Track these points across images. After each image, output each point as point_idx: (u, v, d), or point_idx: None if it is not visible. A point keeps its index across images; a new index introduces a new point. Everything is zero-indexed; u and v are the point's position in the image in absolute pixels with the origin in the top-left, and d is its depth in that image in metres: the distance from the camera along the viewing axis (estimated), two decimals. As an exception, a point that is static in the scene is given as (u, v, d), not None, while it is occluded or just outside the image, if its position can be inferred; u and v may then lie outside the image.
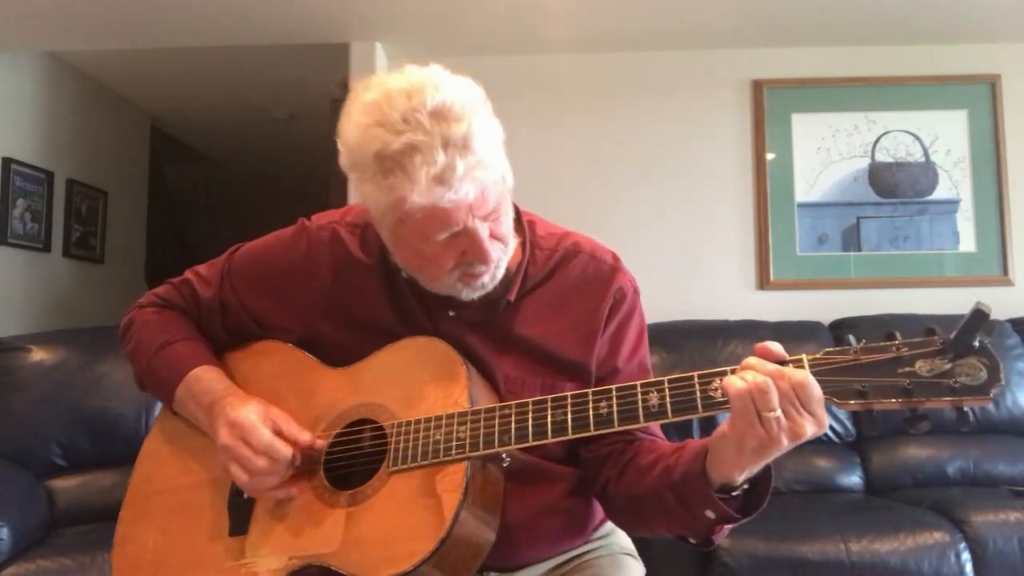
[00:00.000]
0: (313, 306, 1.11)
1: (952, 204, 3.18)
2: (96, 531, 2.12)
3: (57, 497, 2.29)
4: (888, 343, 0.81)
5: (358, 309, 1.09)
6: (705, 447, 0.90)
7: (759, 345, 0.86)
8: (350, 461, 1.02)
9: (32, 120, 3.63)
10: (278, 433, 1.00)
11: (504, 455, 0.95)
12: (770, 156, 3.24)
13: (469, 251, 0.95)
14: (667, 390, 0.88)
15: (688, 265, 3.22)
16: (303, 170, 5.42)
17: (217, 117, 4.62)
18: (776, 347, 0.85)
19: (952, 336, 0.78)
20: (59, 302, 3.75)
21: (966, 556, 2.06)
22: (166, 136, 4.89)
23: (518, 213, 1.12)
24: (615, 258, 1.13)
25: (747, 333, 2.77)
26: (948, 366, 0.78)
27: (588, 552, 1.14)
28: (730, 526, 0.92)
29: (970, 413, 0.79)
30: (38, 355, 2.41)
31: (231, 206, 6.35)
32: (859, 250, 3.19)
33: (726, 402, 0.83)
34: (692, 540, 0.97)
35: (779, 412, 0.79)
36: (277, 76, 3.87)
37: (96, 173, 4.04)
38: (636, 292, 1.13)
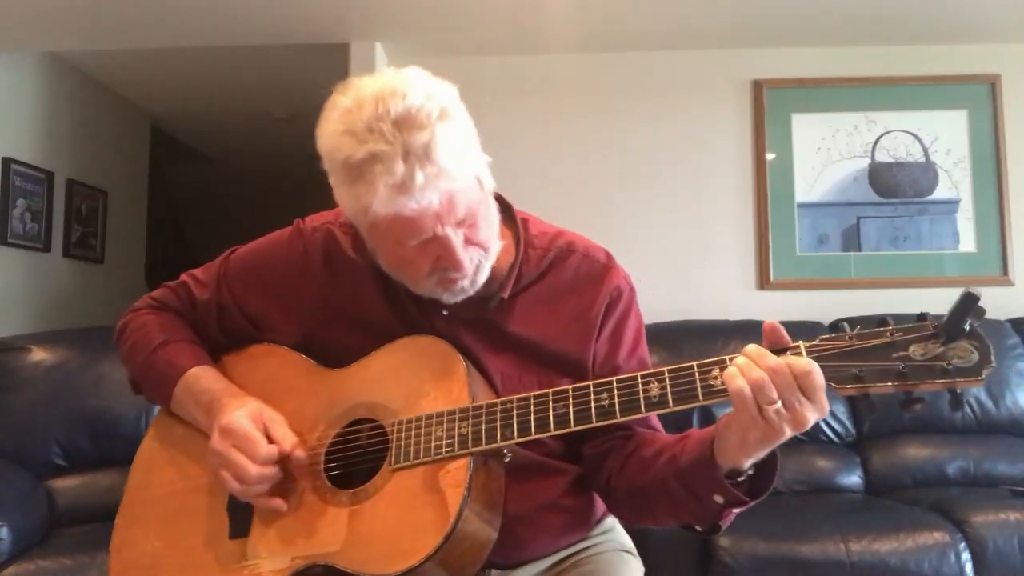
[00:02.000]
0: (310, 307, 1.11)
1: (952, 204, 3.18)
2: (96, 531, 2.12)
3: (57, 497, 2.28)
4: (882, 328, 0.82)
5: (355, 309, 1.09)
6: (711, 434, 0.91)
7: (767, 324, 0.87)
8: (351, 460, 1.02)
9: (32, 120, 3.63)
10: (267, 436, 1.00)
11: (505, 451, 0.95)
12: (770, 156, 3.24)
13: (443, 257, 0.95)
14: (667, 380, 0.88)
15: (688, 265, 3.22)
16: (303, 170, 5.37)
17: (217, 117, 4.62)
18: (781, 332, 0.86)
19: (944, 320, 0.79)
20: (59, 302, 3.75)
21: (966, 556, 2.06)
22: (166, 136, 4.90)
23: (511, 211, 1.12)
24: (608, 256, 1.14)
25: (747, 333, 2.76)
26: (940, 349, 0.79)
27: (588, 549, 1.14)
28: (737, 510, 0.93)
29: (964, 396, 0.80)
30: (38, 355, 2.41)
31: (231, 206, 6.35)
32: (859, 250, 3.19)
33: (726, 390, 0.83)
34: (698, 528, 0.98)
35: (779, 404, 0.80)
36: (277, 76, 3.87)
37: (96, 173, 4.04)
38: (632, 290, 1.13)
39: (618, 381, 0.91)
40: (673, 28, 3.09)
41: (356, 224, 1.00)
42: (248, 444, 0.98)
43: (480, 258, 0.98)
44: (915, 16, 2.98)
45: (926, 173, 3.20)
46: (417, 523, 0.91)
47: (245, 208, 5.89)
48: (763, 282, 3.19)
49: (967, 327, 0.78)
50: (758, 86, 3.25)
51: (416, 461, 0.95)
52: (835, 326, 0.85)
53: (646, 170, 3.26)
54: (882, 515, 2.24)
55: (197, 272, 1.19)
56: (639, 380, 0.90)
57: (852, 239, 3.19)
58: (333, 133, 0.93)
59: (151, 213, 4.76)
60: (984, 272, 3.14)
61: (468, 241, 0.96)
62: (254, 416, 1.01)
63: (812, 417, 0.81)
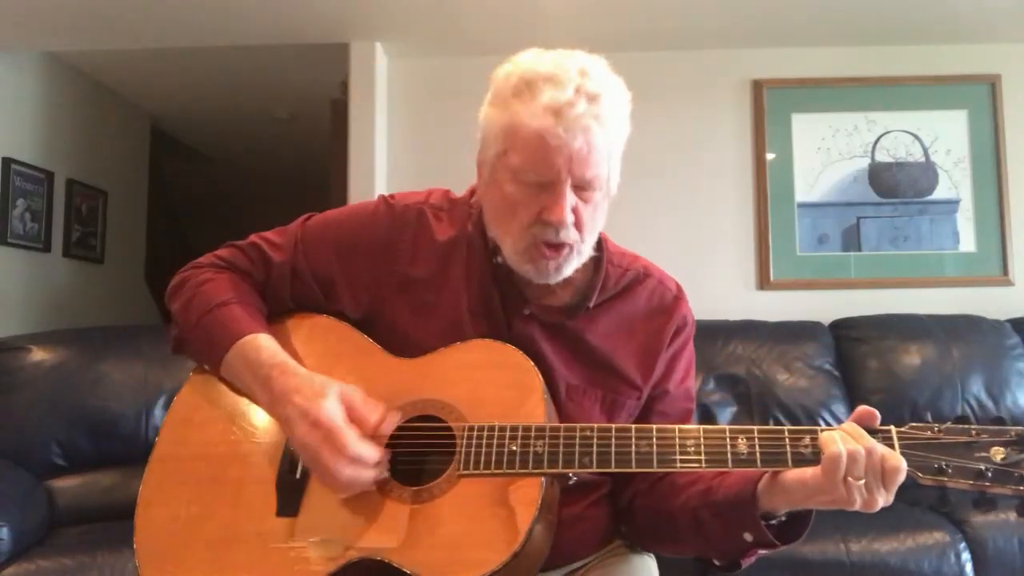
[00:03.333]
0: (386, 283, 1.09)
1: (952, 204, 3.18)
2: (96, 531, 2.12)
3: (57, 497, 2.28)
4: (967, 427, 0.86)
5: (433, 292, 1.08)
6: (756, 475, 0.92)
7: (861, 408, 0.89)
8: (413, 456, 0.99)
9: (32, 120, 3.63)
10: (352, 418, 0.94)
11: (571, 474, 0.94)
12: (770, 156, 3.24)
13: (547, 209, 0.95)
14: (756, 439, 0.89)
15: (688, 265, 3.21)
16: (303, 170, 5.42)
17: (217, 117, 4.62)
18: (875, 418, 0.89)
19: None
20: (59, 302, 3.75)
21: (966, 556, 2.06)
22: (166, 136, 4.90)
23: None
24: (679, 288, 1.18)
25: (747, 333, 2.77)
26: (1019, 456, 0.84)
27: (603, 550, 1.14)
28: (763, 552, 0.94)
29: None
30: (38, 355, 2.40)
31: (231, 206, 6.35)
32: (859, 250, 3.18)
33: (815, 460, 0.85)
34: (717, 562, 0.98)
35: (863, 481, 0.83)
36: (277, 76, 3.87)
37: (96, 173, 4.04)
38: (694, 324, 1.16)
39: (704, 431, 0.91)
40: (673, 28, 3.09)
41: (486, 150, 1.01)
42: (343, 444, 0.92)
43: (576, 242, 0.99)
44: (915, 16, 2.98)
45: (926, 173, 3.20)
46: (483, 535, 0.89)
47: (245, 208, 5.90)
48: (763, 282, 3.18)
49: None
50: (758, 86, 3.24)
51: (486, 471, 0.93)
52: (920, 417, 0.89)
53: (646, 170, 3.25)
54: (882, 515, 2.20)
55: (269, 234, 1.15)
56: (727, 434, 0.90)
57: (852, 239, 3.19)
58: (519, 60, 0.99)
59: (151, 213, 4.76)
60: (984, 272, 3.14)
61: (575, 212, 0.96)
62: (339, 398, 0.95)
63: (881, 503, 0.86)
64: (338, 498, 0.95)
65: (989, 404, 2.69)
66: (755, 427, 0.90)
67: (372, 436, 0.95)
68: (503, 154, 0.97)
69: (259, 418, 1.02)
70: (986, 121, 3.19)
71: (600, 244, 1.10)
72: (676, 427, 0.92)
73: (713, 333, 2.76)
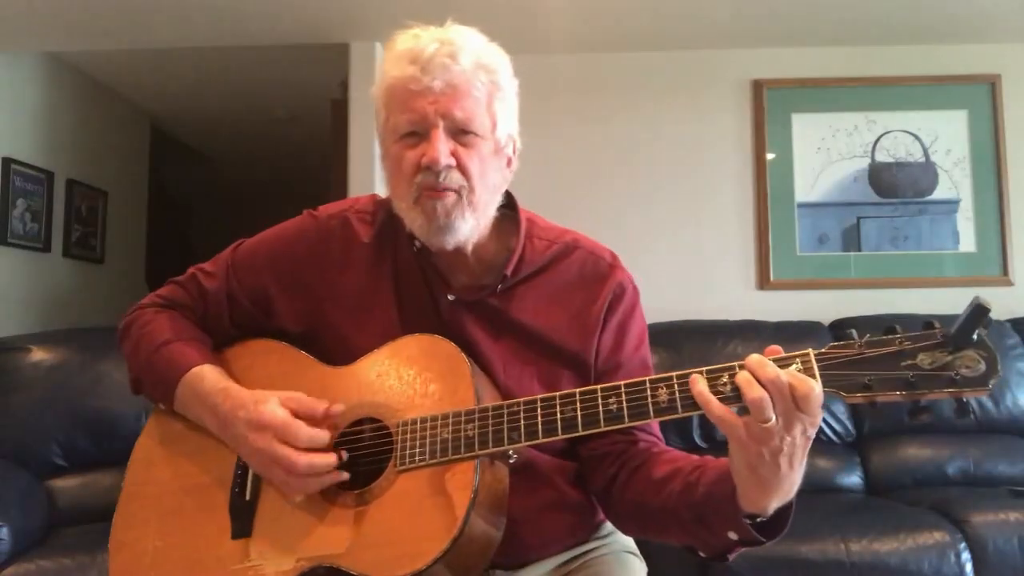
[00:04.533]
0: (319, 295, 1.11)
1: (952, 204, 3.18)
2: (96, 531, 2.11)
3: (57, 497, 2.29)
4: (891, 337, 0.82)
5: (367, 295, 1.10)
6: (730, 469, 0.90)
7: (768, 349, 0.85)
8: (355, 460, 1.01)
9: (32, 120, 3.63)
10: (298, 415, 0.98)
11: (511, 452, 0.95)
12: (770, 156, 3.24)
13: (424, 153, 0.98)
14: (676, 385, 0.88)
15: (688, 265, 3.22)
16: (303, 170, 5.42)
17: (217, 117, 4.62)
18: (778, 350, 0.85)
19: (953, 330, 0.79)
20: (59, 302, 3.75)
21: (966, 556, 2.06)
22: (166, 136, 4.90)
23: (515, 206, 1.13)
24: (613, 256, 1.14)
25: (747, 333, 2.77)
26: (948, 358, 0.79)
27: (591, 551, 1.13)
28: (745, 548, 0.92)
29: (970, 405, 0.80)
30: (38, 355, 2.41)
31: (231, 206, 6.35)
32: (859, 250, 3.19)
33: (735, 397, 0.83)
34: (703, 554, 0.97)
35: (774, 420, 0.80)
36: (277, 76, 3.88)
37: (96, 173, 4.04)
38: (636, 290, 1.14)
39: (626, 386, 0.90)
40: (673, 28, 3.09)
41: (378, 126, 1.06)
42: (294, 435, 0.95)
43: (463, 188, 1.00)
44: (915, 16, 2.98)
45: (926, 173, 3.20)
46: (424, 525, 0.91)
47: (245, 208, 5.89)
48: (763, 282, 3.19)
49: (975, 336, 0.79)
50: (758, 86, 3.25)
51: (422, 463, 0.95)
52: (842, 336, 0.84)
53: (646, 170, 3.26)
54: (882, 515, 2.24)
55: (204, 265, 1.19)
56: (648, 385, 0.89)
57: (852, 239, 3.19)
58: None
59: (151, 213, 4.77)
60: (984, 272, 3.14)
61: (456, 157, 0.99)
62: (280, 401, 0.99)
63: (811, 432, 0.81)
64: (288, 513, 0.99)
65: (989, 404, 2.69)
66: (674, 373, 0.87)
67: (321, 424, 0.99)
68: (385, 121, 1.03)
69: (211, 448, 1.06)
70: (986, 121, 3.19)
71: (518, 216, 1.12)
72: (598, 387, 0.92)
73: (713, 333, 2.76)
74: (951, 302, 2.95)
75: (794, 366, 0.82)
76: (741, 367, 0.83)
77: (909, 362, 0.80)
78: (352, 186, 3.13)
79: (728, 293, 3.18)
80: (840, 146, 3.21)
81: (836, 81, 3.23)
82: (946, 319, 0.81)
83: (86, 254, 3.98)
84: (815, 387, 0.79)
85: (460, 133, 0.99)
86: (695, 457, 1.01)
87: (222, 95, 4.22)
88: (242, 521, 1.01)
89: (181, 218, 6.20)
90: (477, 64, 1.00)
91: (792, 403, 0.79)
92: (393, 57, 1.01)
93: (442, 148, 0.98)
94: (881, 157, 3.21)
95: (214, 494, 1.04)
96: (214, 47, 3.32)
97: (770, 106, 3.23)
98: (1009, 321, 2.85)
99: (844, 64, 3.23)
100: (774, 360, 0.82)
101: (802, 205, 3.21)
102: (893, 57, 3.22)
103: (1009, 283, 3.13)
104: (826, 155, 3.21)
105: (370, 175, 3.12)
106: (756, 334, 2.75)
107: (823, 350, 0.83)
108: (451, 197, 0.99)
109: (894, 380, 0.80)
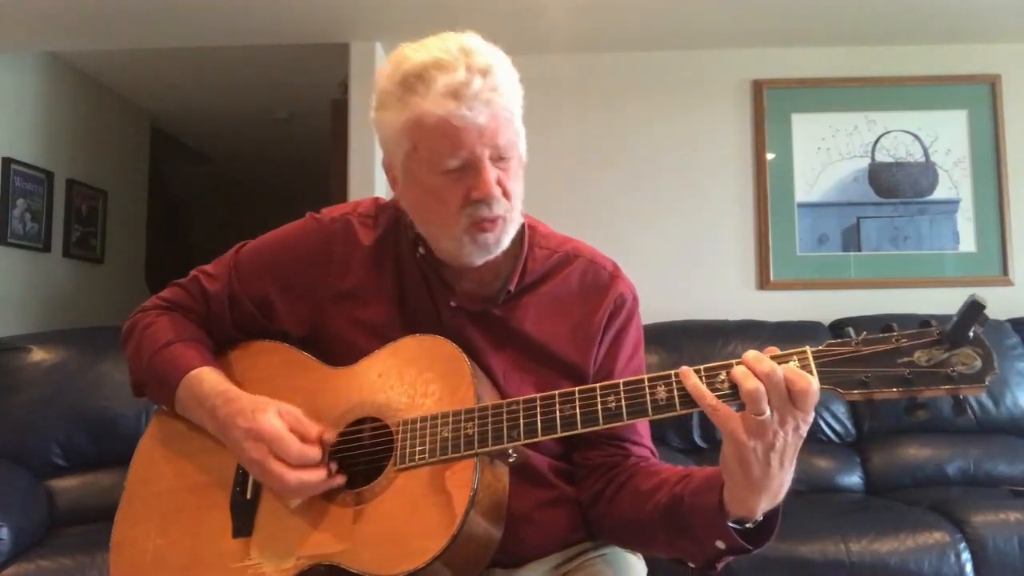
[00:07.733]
0: (324, 295, 1.11)
1: (952, 204, 3.19)
2: (96, 531, 2.11)
3: (57, 497, 2.29)
4: (887, 335, 0.82)
5: (368, 297, 1.10)
6: (719, 480, 0.89)
7: (766, 350, 0.85)
8: (355, 460, 1.01)
9: (32, 120, 3.63)
10: (293, 430, 0.98)
11: (511, 451, 0.95)
12: (770, 156, 3.24)
13: (474, 188, 0.96)
14: (674, 383, 0.88)
15: (688, 265, 3.22)
16: (303, 170, 5.42)
17: (217, 117, 4.62)
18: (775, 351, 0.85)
19: (949, 327, 0.80)
20: (59, 302, 3.75)
21: (966, 556, 2.06)
22: (166, 136, 4.90)
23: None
24: (615, 266, 1.15)
25: (747, 333, 2.77)
26: (945, 355, 0.80)
27: (591, 550, 1.13)
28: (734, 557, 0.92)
29: (968, 402, 0.81)
30: (38, 355, 2.41)
31: (231, 206, 6.36)
32: (859, 250, 3.19)
33: (732, 394, 0.83)
34: (691, 565, 0.97)
35: (769, 414, 0.81)
36: (277, 76, 3.88)
37: (96, 173, 4.04)
38: (635, 300, 1.14)
39: (625, 384, 0.91)
40: (673, 28, 3.09)
41: (393, 154, 1.01)
42: (286, 449, 0.96)
43: (507, 212, 0.99)
44: (915, 16, 2.98)
45: (926, 173, 3.20)
46: (423, 524, 0.91)
47: (245, 208, 5.90)
48: (763, 282, 3.19)
49: (971, 334, 0.79)
50: (758, 86, 3.25)
51: (421, 461, 0.95)
52: (839, 333, 0.84)
53: (646, 170, 3.26)
54: (882, 515, 2.24)
55: (207, 266, 1.19)
56: (646, 383, 0.89)
57: (852, 239, 3.19)
58: (395, 55, 0.99)
59: (151, 213, 4.77)
60: (984, 272, 3.14)
61: (500, 185, 0.97)
62: (279, 414, 1.00)
63: (803, 429, 0.82)
64: (288, 512, 0.99)
65: (989, 404, 2.69)
66: (672, 372, 0.88)
67: (314, 443, 0.99)
68: (412, 151, 0.98)
69: (213, 448, 1.06)
70: (986, 121, 3.19)
71: (523, 228, 1.11)
72: (597, 386, 0.92)
73: (713, 333, 2.76)
74: (951, 302, 2.95)
75: (792, 363, 0.82)
76: (738, 363, 0.84)
77: (906, 359, 0.81)
78: (352, 186, 3.13)
79: (728, 293, 3.18)
80: (840, 146, 3.21)
81: (836, 81, 3.23)
82: (946, 319, 0.81)
83: (86, 254, 3.98)
84: (812, 383, 0.80)
85: (500, 159, 0.98)
86: (681, 468, 1.01)
87: (222, 95, 4.22)
88: (243, 520, 1.01)
89: (181, 218, 6.20)
90: (512, 89, 0.99)
91: (787, 397, 0.80)
92: (422, 88, 0.94)
93: (491, 180, 0.96)
94: (881, 157, 3.21)
95: (215, 493, 1.04)
96: (214, 47, 3.32)
97: (770, 106, 3.23)
98: (1009, 321, 2.85)
99: (844, 64, 3.24)
100: (772, 357, 0.83)
101: (802, 205, 3.21)
102: (893, 57, 3.22)
103: (1009, 283, 3.13)
104: (826, 155, 3.21)
105: (370, 175, 3.12)
106: (756, 334, 2.75)
107: (820, 347, 0.84)
108: (500, 224, 1.00)
109: (891, 377, 0.81)
